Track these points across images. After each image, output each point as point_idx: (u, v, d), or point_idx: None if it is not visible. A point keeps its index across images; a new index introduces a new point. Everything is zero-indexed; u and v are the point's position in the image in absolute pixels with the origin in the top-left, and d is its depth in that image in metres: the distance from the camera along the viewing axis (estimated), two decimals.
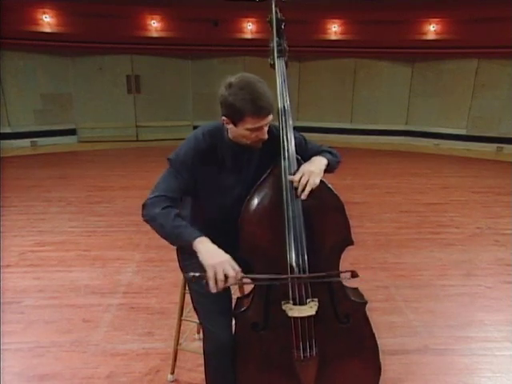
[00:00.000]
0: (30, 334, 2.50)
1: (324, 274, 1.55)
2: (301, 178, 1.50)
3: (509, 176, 6.43)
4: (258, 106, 1.43)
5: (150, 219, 1.52)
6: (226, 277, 1.37)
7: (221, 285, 1.37)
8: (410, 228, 4.31)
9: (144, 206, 1.56)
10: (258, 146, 1.58)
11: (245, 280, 1.53)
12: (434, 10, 7.89)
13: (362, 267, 3.38)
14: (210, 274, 1.36)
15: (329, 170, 1.64)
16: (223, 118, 1.51)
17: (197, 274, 1.39)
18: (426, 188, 5.78)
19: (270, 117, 1.50)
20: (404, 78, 8.94)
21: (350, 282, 1.62)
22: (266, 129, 1.52)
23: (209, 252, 1.40)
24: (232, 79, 1.46)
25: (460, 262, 3.52)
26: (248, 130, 1.48)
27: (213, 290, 1.37)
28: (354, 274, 1.51)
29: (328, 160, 1.63)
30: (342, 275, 1.59)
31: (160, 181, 1.60)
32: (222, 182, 1.62)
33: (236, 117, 1.47)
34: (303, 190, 1.49)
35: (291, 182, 1.53)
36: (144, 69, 8.94)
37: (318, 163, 1.60)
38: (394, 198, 5.35)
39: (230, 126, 1.52)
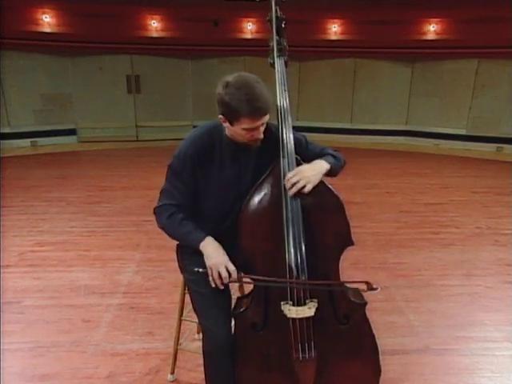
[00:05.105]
0: (30, 334, 2.50)
1: (328, 282, 1.58)
2: (292, 176, 1.51)
3: (509, 176, 6.43)
4: (253, 106, 1.43)
5: (161, 228, 1.67)
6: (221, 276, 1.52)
7: (218, 282, 1.54)
8: (410, 228, 4.31)
9: (154, 214, 1.68)
10: (255, 145, 1.58)
11: (245, 279, 1.59)
12: (434, 9, 7.88)
13: (362, 267, 3.39)
14: (208, 272, 1.55)
15: (331, 174, 1.63)
16: (220, 116, 1.52)
17: (201, 270, 1.56)
18: (426, 188, 5.77)
19: (267, 117, 1.50)
20: (404, 78, 8.94)
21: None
22: (262, 128, 1.52)
23: (209, 254, 1.55)
24: (229, 78, 1.46)
25: (460, 262, 3.52)
26: (244, 129, 1.49)
27: (212, 285, 1.56)
28: (369, 287, 1.50)
29: (330, 165, 1.61)
30: (352, 286, 1.59)
31: (164, 187, 1.65)
32: (220, 180, 1.62)
33: (232, 116, 1.47)
34: (291, 188, 1.52)
35: (287, 180, 1.53)
36: (144, 69, 8.94)
37: (319, 167, 1.58)
38: (393, 197, 5.35)
39: (227, 125, 1.53)
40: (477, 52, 8.00)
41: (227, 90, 1.44)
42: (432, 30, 8.14)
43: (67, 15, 7.86)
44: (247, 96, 1.42)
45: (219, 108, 1.49)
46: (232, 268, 1.52)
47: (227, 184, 1.62)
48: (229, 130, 1.55)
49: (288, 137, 1.60)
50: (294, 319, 1.55)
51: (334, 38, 8.63)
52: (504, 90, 8.12)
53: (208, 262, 1.54)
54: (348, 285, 1.64)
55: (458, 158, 8.01)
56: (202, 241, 1.56)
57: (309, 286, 1.53)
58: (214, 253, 1.54)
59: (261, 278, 1.53)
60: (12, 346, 2.39)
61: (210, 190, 1.63)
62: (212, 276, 1.53)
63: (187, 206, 1.63)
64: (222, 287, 1.55)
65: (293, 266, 1.52)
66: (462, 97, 8.54)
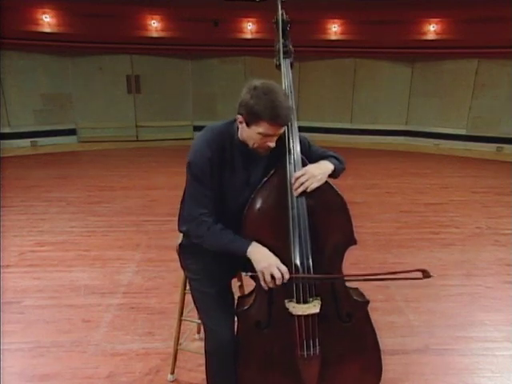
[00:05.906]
0: (30, 334, 2.50)
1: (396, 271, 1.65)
2: (301, 176, 1.53)
3: (509, 176, 6.43)
4: (276, 113, 1.44)
5: (200, 242, 1.61)
6: (274, 277, 1.49)
7: (271, 285, 1.50)
8: (410, 228, 4.31)
9: (189, 230, 1.64)
10: (264, 153, 1.57)
11: (300, 276, 1.54)
12: (434, 9, 7.88)
13: (362, 267, 3.38)
14: (260, 276, 1.51)
15: (333, 176, 1.66)
16: (238, 115, 1.52)
17: (250, 274, 1.56)
18: (426, 188, 5.78)
19: (283, 129, 1.52)
20: (404, 78, 8.95)
21: None
22: (275, 138, 1.53)
23: (257, 259, 1.51)
24: (257, 83, 1.48)
25: (460, 262, 3.52)
26: (259, 134, 1.49)
27: (265, 288, 1.53)
28: (425, 275, 1.54)
29: (334, 166, 1.64)
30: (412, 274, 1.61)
31: (191, 194, 1.61)
32: (231, 183, 1.62)
33: (252, 118, 1.47)
34: (298, 187, 1.53)
35: (295, 179, 1.54)
36: (144, 69, 8.94)
37: (325, 167, 1.61)
38: (394, 197, 5.35)
39: (243, 126, 1.53)
40: (477, 52, 8.01)
41: (254, 92, 1.45)
42: (432, 30, 8.15)
43: (67, 15, 7.87)
44: (273, 103, 1.44)
45: (240, 108, 1.50)
46: (284, 269, 1.49)
47: (237, 188, 1.62)
48: (243, 131, 1.55)
49: (294, 138, 1.62)
50: (298, 316, 1.55)
51: (333, 38, 8.64)
52: (504, 90, 8.12)
53: (258, 266, 1.50)
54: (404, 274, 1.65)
55: (458, 157, 8.02)
56: (248, 247, 1.52)
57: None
58: (262, 257, 1.51)
59: (316, 276, 1.55)
60: (12, 345, 2.39)
61: (222, 193, 1.63)
62: (264, 280, 1.50)
63: (214, 210, 1.61)
64: (279, 283, 1.49)
65: (298, 264, 1.52)
66: (461, 97, 8.55)
